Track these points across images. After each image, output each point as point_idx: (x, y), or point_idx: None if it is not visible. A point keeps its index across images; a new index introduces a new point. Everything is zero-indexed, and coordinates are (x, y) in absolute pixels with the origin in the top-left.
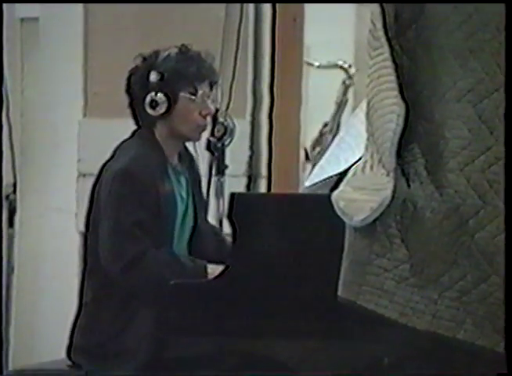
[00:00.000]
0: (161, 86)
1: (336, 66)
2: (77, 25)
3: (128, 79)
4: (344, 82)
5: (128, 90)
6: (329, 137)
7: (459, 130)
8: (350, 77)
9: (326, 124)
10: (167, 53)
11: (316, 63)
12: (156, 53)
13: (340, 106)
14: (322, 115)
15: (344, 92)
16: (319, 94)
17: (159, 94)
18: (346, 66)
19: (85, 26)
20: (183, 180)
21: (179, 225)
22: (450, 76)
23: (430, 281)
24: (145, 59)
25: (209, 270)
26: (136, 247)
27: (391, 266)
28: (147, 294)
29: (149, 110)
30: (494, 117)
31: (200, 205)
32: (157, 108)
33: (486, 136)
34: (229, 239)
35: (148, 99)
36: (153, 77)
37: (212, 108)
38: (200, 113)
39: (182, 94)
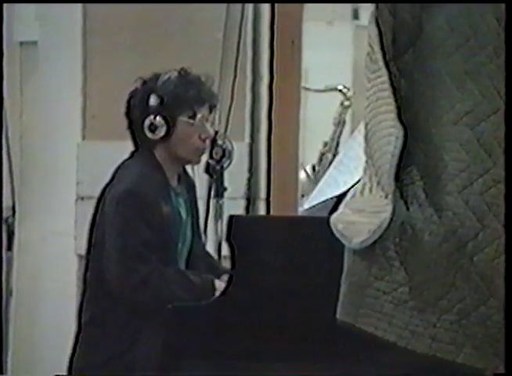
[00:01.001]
0: (160, 110)
1: (335, 89)
2: (76, 48)
3: (128, 102)
4: (342, 103)
5: (128, 113)
6: (330, 156)
7: (457, 153)
8: (348, 98)
9: (325, 144)
10: (167, 77)
11: (315, 87)
12: (157, 76)
13: (338, 126)
14: (321, 136)
15: (342, 113)
16: (317, 116)
17: (158, 117)
18: (344, 90)
19: (84, 49)
20: (182, 201)
21: (182, 244)
22: (448, 99)
23: (429, 304)
24: (145, 82)
25: (217, 285)
26: (145, 267)
27: (389, 289)
28: (158, 313)
29: (148, 134)
30: (492, 139)
31: (196, 226)
32: (156, 131)
33: (484, 159)
34: (227, 261)
35: (147, 122)
36: (153, 100)
37: (211, 132)
38: (199, 137)
39: (180, 118)
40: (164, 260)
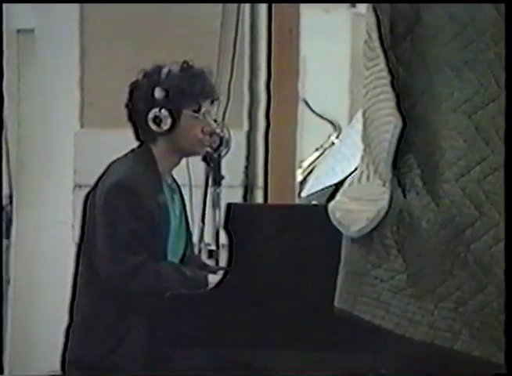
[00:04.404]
0: (166, 103)
1: (326, 119)
2: (74, 36)
3: (130, 93)
4: (329, 137)
5: (129, 104)
6: (300, 177)
7: (454, 141)
8: (337, 136)
9: (300, 165)
10: (169, 69)
11: (314, 106)
12: (159, 68)
13: (319, 155)
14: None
15: (326, 146)
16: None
17: (163, 110)
18: (337, 124)
19: (81, 37)
20: (177, 198)
21: (174, 242)
22: (446, 87)
23: (427, 292)
24: (147, 74)
25: (210, 279)
26: (134, 258)
27: (387, 277)
28: (147, 305)
29: (153, 126)
30: (490, 127)
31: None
32: (161, 124)
33: (482, 147)
34: (225, 250)
35: (151, 114)
36: (158, 93)
37: (214, 125)
38: (201, 130)
39: (185, 111)
40: (153, 254)
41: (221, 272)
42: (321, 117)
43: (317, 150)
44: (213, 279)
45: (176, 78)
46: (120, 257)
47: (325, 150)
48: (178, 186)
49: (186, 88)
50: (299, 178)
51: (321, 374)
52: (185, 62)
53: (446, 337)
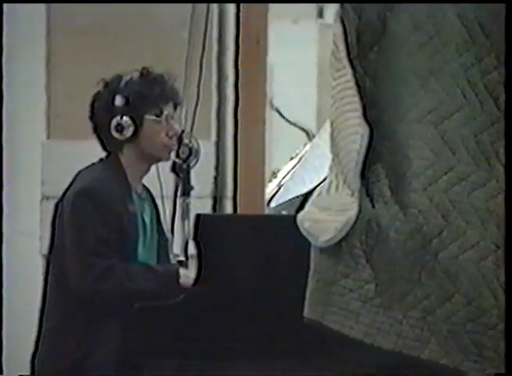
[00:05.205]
0: (126, 110)
1: (300, 127)
2: (40, 47)
3: (92, 105)
4: (305, 145)
5: (92, 116)
6: (275, 188)
7: (421, 150)
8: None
9: (274, 173)
10: (129, 77)
11: (285, 113)
12: (119, 77)
13: (296, 163)
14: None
15: (302, 153)
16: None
17: (124, 118)
18: (310, 132)
19: (48, 48)
20: (147, 207)
21: (145, 251)
22: (411, 97)
23: (395, 301)
24: (107, 84)
25: (181, 272)
26: (104, 262)
27: (356, 286)
28: (118, 314)
29: (116, 134)
30: (456, 137)
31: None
32: (124, 132)
33: (449, 156)
34: (195, 261)
35: (114, 123)
36: (118, 101)
37: (178, 128)
38: (166, 135)
39: (147, 116)
40: (123, 258)
41: (193, 268)
42: (294, 125)
43: (292, 158)
44: (184, 272)
45: (135, 85)
46: (89, 261)
47: (300, 158)
48: (151, 195)
49: (146, 94)
50: (275, 187)
51: None
52: (144, 68)
53: (414, 346)
